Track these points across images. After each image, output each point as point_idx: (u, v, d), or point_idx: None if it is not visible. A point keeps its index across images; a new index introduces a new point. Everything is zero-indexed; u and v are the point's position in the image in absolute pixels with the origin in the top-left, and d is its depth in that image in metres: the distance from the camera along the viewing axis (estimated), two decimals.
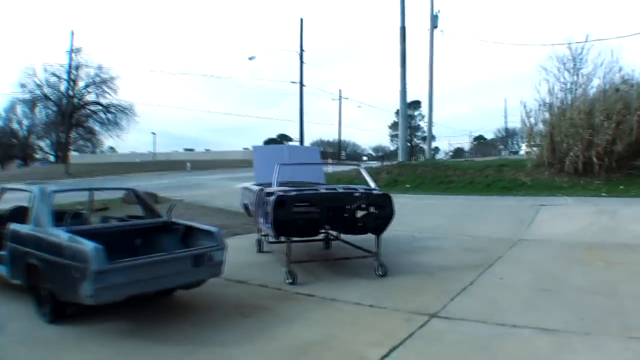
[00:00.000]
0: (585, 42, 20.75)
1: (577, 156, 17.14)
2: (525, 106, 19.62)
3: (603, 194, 15.25)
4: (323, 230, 8.32)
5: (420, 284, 6.97)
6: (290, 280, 7.10)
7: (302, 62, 40.62)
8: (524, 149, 46.45)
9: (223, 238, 6.22)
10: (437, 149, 71.97)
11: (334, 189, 8.11)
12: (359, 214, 7.47)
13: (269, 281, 7.23)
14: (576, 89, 20.20)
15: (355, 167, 11.37)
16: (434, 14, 29.85)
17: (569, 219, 11.34)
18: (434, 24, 29.80)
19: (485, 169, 19.67)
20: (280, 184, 8.04)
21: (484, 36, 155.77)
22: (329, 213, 7.31)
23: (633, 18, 73.78)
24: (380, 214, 7.46)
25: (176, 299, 6.41)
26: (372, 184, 8.33)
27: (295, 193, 7.39)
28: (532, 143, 19.51)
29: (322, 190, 7.81)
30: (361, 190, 7.80)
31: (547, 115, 19.13)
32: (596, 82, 19.16)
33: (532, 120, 19.48)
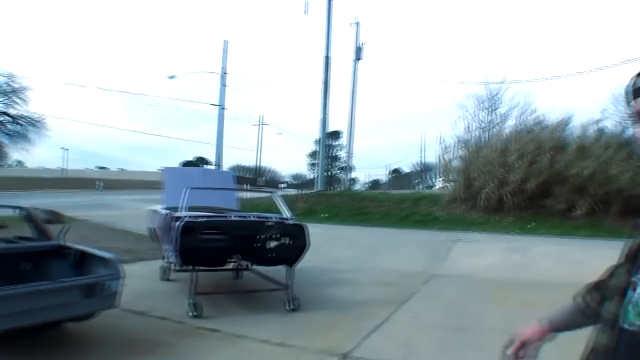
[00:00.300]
0: (502, 83, 21.59)
1: (491, 193, 17.43)
2: (442, 142, 19.94)
3: (515, 231, 15.47)
4: (233, 260, 7.75)
5: (332, 321, 6.52)
6: (194, 313, 6.46)
7: (223, 84, 39.80)
8: (439, 183, 47.72)
9: (120, 266, 5.57)
10: (355, 180, 72.72)
11: (246, 216, 7.71)
12: (272, 244, 7.03)
13: (171, 313, 6.54)
14: (492, 128, 20.80)
15: (270, 194, 10.87)
16: (358, 46, 30.18)
17: (483, 255, 11.30)
18: (357, 56, 30.15)
19: (402, 202, 19.69)
20: (190, 209, 7.46)
21: (407, 71, 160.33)
22: (239, 242, 6.85)
23: (547, 64, 78.38)
24: (293, 245, 7.09)
25: (63, 331, 5.65)
26: (287, 213, 7.96)
27: (203, 219, 6.93)
28: (449, 178, 19.78)
29: (233, 218, 7.38)
30: (274, 219, 7.38)
31: (463, 152, 19.50)
32: (511, 122, 19.81)
33: (449, 156, 19.81)
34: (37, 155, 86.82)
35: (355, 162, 71.06)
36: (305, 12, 28.78)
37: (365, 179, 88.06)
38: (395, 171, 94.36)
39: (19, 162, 75.89)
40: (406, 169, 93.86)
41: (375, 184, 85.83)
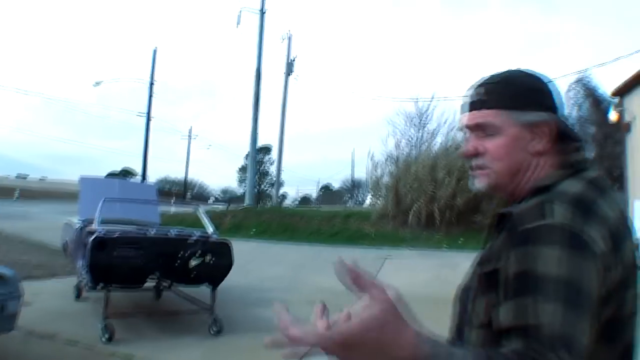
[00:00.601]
0: (432, 99, 21.67)
1: (420, 209, 17.42)
2: (372, 158, 19.87)
3: (444, 246, 15.48)
4: (153, 279, 7.25)
5: (259, 344, 6.04)
6: (106, 337, 5.89)
7: (151, 93, 38.70)
8: (369, 200, 48.05)
9: (19, 283, 4.97)
10: (285, 196, 72.36)
11: (166, 232, 7.19)
12: (194, 262, 6.56)
13: (82, 336, 5.96)
14: (421, 145, 20.91)
15: (194, 208, 10.37)
16: (290, 60, 29.97)
17: (414, 271, 11.11)
18: (289, 70, 29.91)
19: (332, 219, 19.41)
20: (107, 223, 6.95)
21: (338, 86, 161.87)
22: (158, 259, 6.37)
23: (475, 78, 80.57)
24: (217, 263, 6.66)
25: None
26: (210, 229, 7.49)
27: (118, 234, 6.38)
28: (378, 194, 19.68)
29: (151, 233, 6.84)
30: (197, 236, 6.89)
31: (393, 168, 19.48)
32: (439, 139, 19.96)
33: (379, 172, 19.75)
34: None
35: (285, 177, 71.02)
36: (237, 24, 28.21)
37: (295, 195, 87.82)
38: (326, 187, 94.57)
39: None
40: (336, 184, 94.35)
41: (305, 199, 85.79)
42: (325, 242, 16.88)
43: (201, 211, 8.57)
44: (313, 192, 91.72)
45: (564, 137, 1.20)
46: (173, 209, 23.88)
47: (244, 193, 40.16)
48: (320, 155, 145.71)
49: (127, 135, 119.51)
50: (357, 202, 62.81)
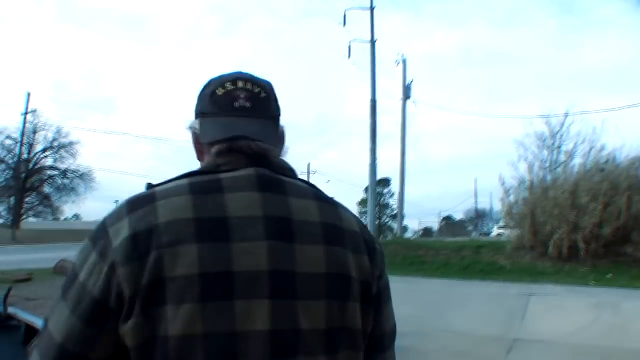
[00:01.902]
0: (566, 116, 19.68)
1: (562, 239, 15.70)
2: (504, 183, 18.37)
3: (592, 282, 13.68)
4: None
5: None
6: None
7: None
8: (496, 230, 45.49)
9: None
10: (406, 228, 70.72)
11: None
12: None
13: None
14: (556, 167, 19.08)
15: None
16: (407, 84, 29.00)
17: (566, 312, 9.58)
18: (406, 94, 28.91)
19: (461, 250, 18.08)
20: None
21: (459, 107, 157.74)
22: None
23: (617, 91, 73.94)
24: None
25: None
26: None
27: None
28: (512, 224, 18.05)
29: None
30: None
31: (527, 194, 17.83)
32: (578, 160, 18.09)
33: (512, 199, 18.19)
34: (91, 209, 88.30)
35: (405, 209, 69.41)
36: (348, 57, 27.69)
37: (416, 227, 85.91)
38: (447, 218, 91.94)
39: (76, 216, 77.22)
40: (458, 215, 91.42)
41: (426, 231, 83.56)
42: (456, 276, 15.62)
43: None
44: (434, 224, 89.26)
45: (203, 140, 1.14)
46: None
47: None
48: (440, 185, 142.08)
49: None
50: (482, 233, 60.28)
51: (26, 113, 45.34)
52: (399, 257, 18.20)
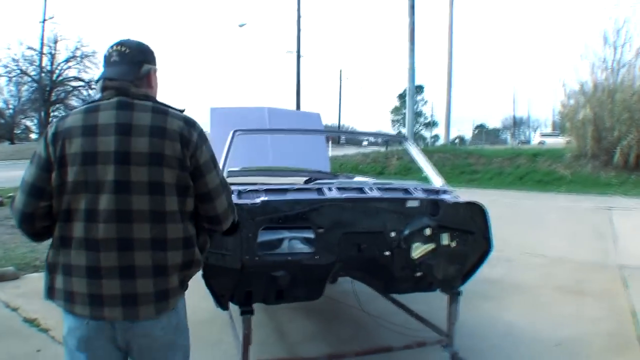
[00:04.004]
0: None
1: (630, 147, 14.29)
2: (564, 85, 16.75)
3: None
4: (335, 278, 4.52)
5: None
6: None
7: (299, 28, 37.32)
8: (537, 138, 43.57)
9: None
10: (437, 137, 68.83)
11: (362, 188, 3.59)
12: (419, 248, 3.37)
13: None
14: (620, 68, 17.20)
15: (398, 140, 5.30)
16: None
17: None
18: None
19: (515, 159, 16.79)
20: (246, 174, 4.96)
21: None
22: (348, 246, 3.27)
23: None
24: (461, 250, 3.50)
25: None
26: (439, 179, 4.05)
27: (267, 198, 3.19)
28: (572, 130, 16.50)
29: (333, 191, 3.42)
30: (421, 193, 3.59)
31: (590, 97, 16.16)
32: None
33: (572, 102, 16.60)
34: None
35: (436, 117, 67.31)
36: None
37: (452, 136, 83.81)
38: (480, 126, 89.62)
39: None
40: (493, 124, 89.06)
41: (460, 140, 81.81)
42: (513, 186, 14.44)
43: (414, 147, 4.66)
44: (466, 133, 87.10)
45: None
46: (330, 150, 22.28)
47: (398, 134, 37.85)
48: (474, 93, 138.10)
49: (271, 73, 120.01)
50: (521, 142, 58.34)
51: (44, 20, 43.72)
52: (447, 165, 16.93)
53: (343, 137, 46.56)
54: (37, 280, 5.38)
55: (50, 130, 1.83)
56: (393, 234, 3.32)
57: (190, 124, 1.89)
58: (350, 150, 26.72)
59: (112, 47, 1.97)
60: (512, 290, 5.37)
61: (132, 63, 1.93)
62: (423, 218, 3.39)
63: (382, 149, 26.16)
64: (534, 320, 4.57)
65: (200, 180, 1.88)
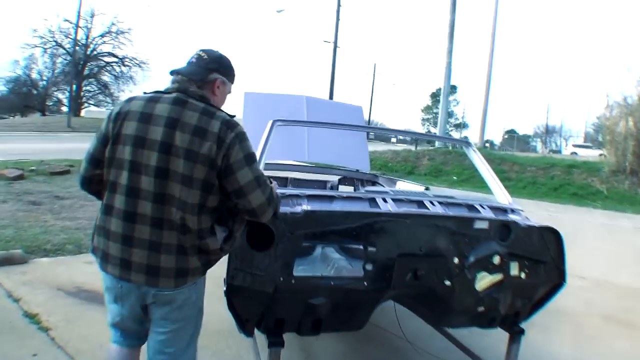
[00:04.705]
0: None
1: None
2: (608, 97, 16.19)
3: None
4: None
5: None
6: None
7: (338, 18, 36.75)
8: (570, 148, 42.61)
9: None
10: (466, 139, 67.97)
11: (421, 201, 3.09)
12: (485, 279, 2.92)
13: None
14: None
15: (462, 144, 4.41)
16: None
17: None
18: None
19: (550, 169, 16.27)
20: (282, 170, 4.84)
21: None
22: (406, 272, 2.79)
23: None
24: (532, 281, 3.07)
25: None
26: (505, 196, 3.55)
27: (311, 207, 2.75)
28: (611, 144, 15.93)
29: (393, 206, 2.94)
30: (488, 214, 3.11)
31: (630, 110, 15.60)
32: None
33: (615, 114, 16.04)
34: None
35: (467, 119, 66.41)
36: None
37: (477, 140, 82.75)
38: (510, 132, 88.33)
39: None
40: (524, 131, 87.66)
41: (490, 144, 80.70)
42: (547, 198, 13.97)
43: (476, 153, 3.99)
44: (496, 138, 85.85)
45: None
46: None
47: (428, 133, 37.20)
48: (506, 98, 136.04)
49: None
50: (552, 150, 57.32)
51: None
52: None
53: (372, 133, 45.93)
54: (45, 266, 5.16)
55: (115, 109, 2.13)
56: (456, 260, 2.84)
57: (228, 125, 2.06)
58: (380, 147, 26.35)
59: (197, 51, 2.24)
60: (555, 317, 4.80)
61: (204, 68, 2.17)
62: (491, 243, 2.92)
63: (413, 148, 25.76)
64: (582, 356, 4.11)
65: (231, 176, 2.03)
